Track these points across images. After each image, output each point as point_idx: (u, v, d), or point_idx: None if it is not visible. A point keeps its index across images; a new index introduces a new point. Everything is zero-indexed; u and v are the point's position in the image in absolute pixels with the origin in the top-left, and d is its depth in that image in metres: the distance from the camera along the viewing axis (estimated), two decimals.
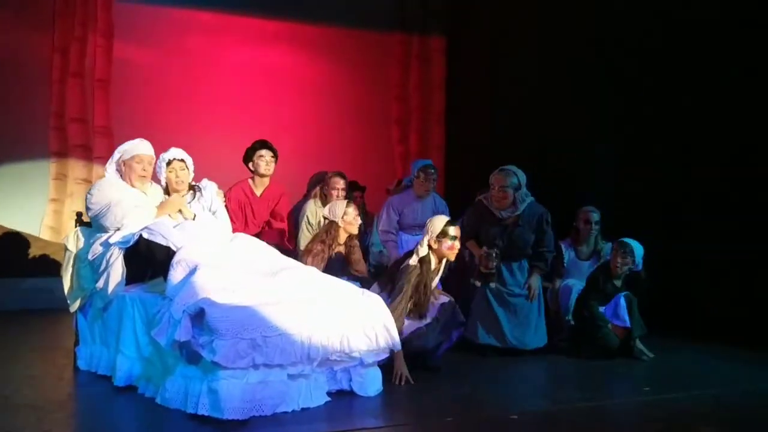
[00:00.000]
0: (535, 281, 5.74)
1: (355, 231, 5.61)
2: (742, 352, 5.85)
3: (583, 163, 7.31)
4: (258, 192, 6.26)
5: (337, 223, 5.55)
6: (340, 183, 6.12)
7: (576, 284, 6.18)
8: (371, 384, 4.48)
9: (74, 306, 5.05)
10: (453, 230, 5.06)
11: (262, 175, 6.22)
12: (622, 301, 5.70)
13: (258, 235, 5.91)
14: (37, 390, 4.51)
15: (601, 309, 5.75)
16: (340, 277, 5.49)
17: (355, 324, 4.35)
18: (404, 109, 9.73)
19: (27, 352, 5.48)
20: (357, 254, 5.63)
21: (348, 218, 5.54)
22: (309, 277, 4.63)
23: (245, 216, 6.15)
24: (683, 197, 6.55)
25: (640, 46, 7.11)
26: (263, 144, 6.23)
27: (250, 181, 6.29)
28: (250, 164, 6.22)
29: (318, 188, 6.35)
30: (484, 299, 5.64)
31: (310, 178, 6.77)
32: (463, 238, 5.57)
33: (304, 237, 6.03)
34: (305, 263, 5.37)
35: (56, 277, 5.71)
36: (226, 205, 5.98)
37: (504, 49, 8.50)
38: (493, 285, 5.62)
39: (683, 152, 6.64)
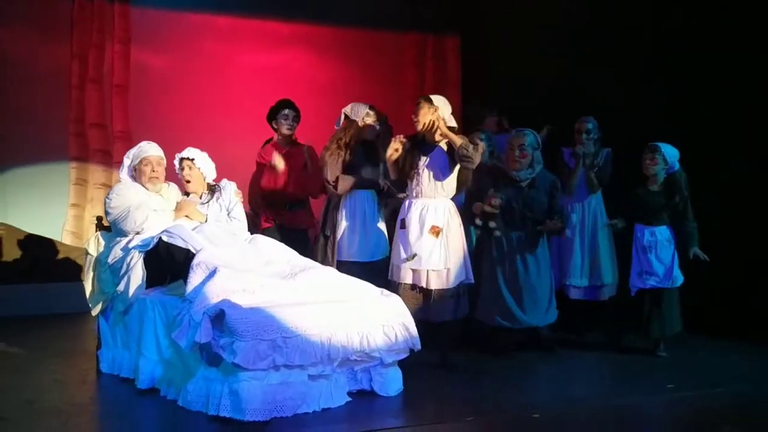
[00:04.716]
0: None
1: (369, 136, 5.56)
2: (766, 349, 5.77)
3: None
4: (286, 149, 6.24)
5: (356, 123, 5.54)
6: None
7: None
8: (392, 384, 4.49)
9: (96, 310, 5.10)
10: None
11: (284, 135, 6.22)
12: (663, 292, 5.59)
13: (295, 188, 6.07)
14: (61, 394, 4.55)
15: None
16: (353, 178, 5.48)
17: (375, 323, 4.35)
18: None
19: (50, 357, 5.52)
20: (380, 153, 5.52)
21: (369, 120, 5.53)
22: (328, 277, 4.64)
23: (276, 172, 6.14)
24: (689, 197, 6.49)
25: (661, 39, 7.03)
26: (286, 104, 6.28)
27: (278, 138, 6.30)
28: (274, 123, 6.28)
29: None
30: (493, 280, 5.54)
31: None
32: (472, 202, 5.56)
33: None
34: (323, 162, 5.50)
35: (78, 282, 5.76)
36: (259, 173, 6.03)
37: (518, 47, 8.45)
38: (493, 225, 5.49)
39: (689, 152, 6.58)
